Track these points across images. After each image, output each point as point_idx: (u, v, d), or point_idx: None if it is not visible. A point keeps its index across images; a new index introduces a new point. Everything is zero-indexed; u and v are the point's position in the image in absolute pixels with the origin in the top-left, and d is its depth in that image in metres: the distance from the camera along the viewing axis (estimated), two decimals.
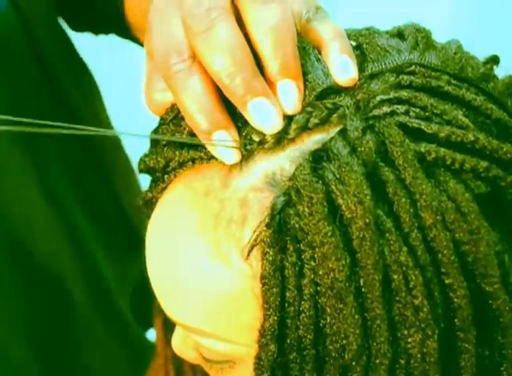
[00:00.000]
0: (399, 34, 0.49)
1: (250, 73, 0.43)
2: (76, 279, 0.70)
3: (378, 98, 0.44)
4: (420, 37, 0.48)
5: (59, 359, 0.70)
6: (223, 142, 0.44)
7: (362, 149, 0.42)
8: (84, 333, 0.71)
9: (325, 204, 0.41)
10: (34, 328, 0.68)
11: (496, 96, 0.47)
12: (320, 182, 0.42)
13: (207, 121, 0.44)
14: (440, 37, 0.50)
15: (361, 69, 0.46)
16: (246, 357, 0.46)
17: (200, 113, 0.44)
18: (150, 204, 0.49)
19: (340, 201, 0.41)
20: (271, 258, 0.42)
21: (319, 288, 0.42)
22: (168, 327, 0.60)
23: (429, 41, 0.48)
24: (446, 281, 0.42)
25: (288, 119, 0.44)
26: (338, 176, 0.42)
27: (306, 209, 0.41)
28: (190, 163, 0.46)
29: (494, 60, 0.49)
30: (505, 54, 0.51)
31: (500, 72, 0.50)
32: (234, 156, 0.44)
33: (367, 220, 0.41)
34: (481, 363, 0.44)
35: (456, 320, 0.42)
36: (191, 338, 0.49)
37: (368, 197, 0.41)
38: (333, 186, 0.42)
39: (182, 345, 0.52)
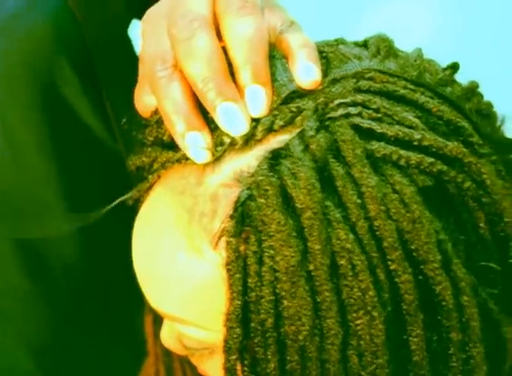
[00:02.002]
0: (364, 44, 0.53)
1: (223, 79, 0.47)
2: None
3: (336, 101, 0.48)
4: (382, 46, 0.51)
5: (61, 366, 0.70)
6: (196, 144, 0.48)
7: (314, 146, 0.46)
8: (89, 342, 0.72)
9: (279, 196, 0.45)
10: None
11: (453, 100, 0.50)
12: (276, 176, 0.46)
13: (182, 122, 0.48)
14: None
15: (324, 74, 0.50)
16: (222, 344, 0.49)
17: (177, 115, 0.48)
18: (138, 203, 0.54)
19: (293, 193, 0.45)
20: (234, 247, 0.46)
21: (277, 274, 0.45)
22: (158, 325, 0.62)
23: (390, 50, 0.51)
24: (391, 267, 0.45)
25: (256, 122, 0.48)
26: (292, 171, 0.46)
27: (263, 201, 0.45)
28: (171, 164, 0.50)
29: (453, 67, 0.52)
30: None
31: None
32: (205, 156, 0.48)
33: (315, 210, 0.44)
34: (430, 346, 0.47)
35: (402, 304, 0.45)
36: (175, 328, 0.53)
37: (317, 189, 0.45)
38: (286, 180, 0.45)
39: (168, 336, 0.55)
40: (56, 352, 0.70)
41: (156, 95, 0.49)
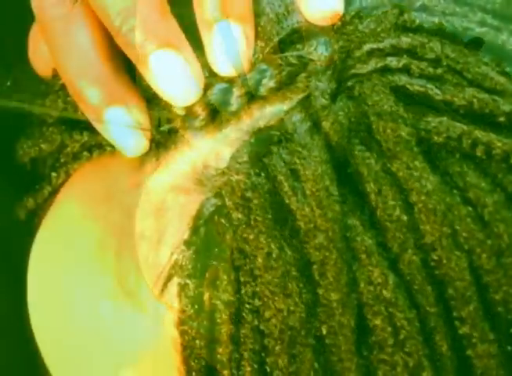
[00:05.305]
0: None
1: (155, 12, 0.36)
2: None
3: (366, 46, 0.36)
4: None
5: None
6: (120, 124, 0.37)
7: (329, 124, 0.34)
8: None
9: (269, 210, 0.34)
10: None
11: None
12: (264, 175, 0.34)
13: (95, 90, 0.37)
14: None
15: (347, 2, 0.37)
16: None
17: (86, 80, 0.37)
18: (34, 218, 0.44)
19: (293, 206, 0.33)
20: (191, 295, 0.34)
21: (265, 341, 0.34)
22: None
23: None
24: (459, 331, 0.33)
25: (229, 84, 0.36)
26: (292, 166, 0.34)
27: (241, 217, 0.34)
28: (87, 153, 0.40)
29: None
30: None
31: None
32: (139, 144, 0.37)
33: (332, 235, 0.33)
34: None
35: None
36: None
37: (333, 198, 0.33)
38: (283, 182, 0.34)
39: None
40: None
41: (50, 46, 0.39)
